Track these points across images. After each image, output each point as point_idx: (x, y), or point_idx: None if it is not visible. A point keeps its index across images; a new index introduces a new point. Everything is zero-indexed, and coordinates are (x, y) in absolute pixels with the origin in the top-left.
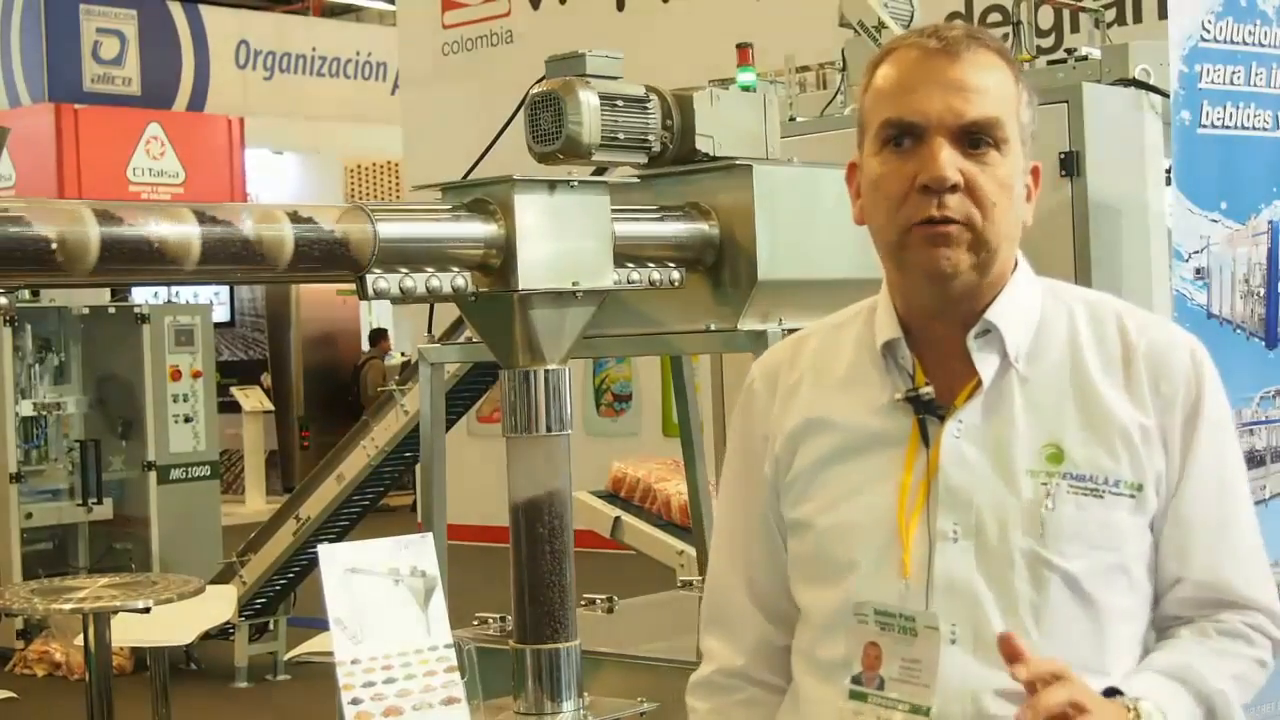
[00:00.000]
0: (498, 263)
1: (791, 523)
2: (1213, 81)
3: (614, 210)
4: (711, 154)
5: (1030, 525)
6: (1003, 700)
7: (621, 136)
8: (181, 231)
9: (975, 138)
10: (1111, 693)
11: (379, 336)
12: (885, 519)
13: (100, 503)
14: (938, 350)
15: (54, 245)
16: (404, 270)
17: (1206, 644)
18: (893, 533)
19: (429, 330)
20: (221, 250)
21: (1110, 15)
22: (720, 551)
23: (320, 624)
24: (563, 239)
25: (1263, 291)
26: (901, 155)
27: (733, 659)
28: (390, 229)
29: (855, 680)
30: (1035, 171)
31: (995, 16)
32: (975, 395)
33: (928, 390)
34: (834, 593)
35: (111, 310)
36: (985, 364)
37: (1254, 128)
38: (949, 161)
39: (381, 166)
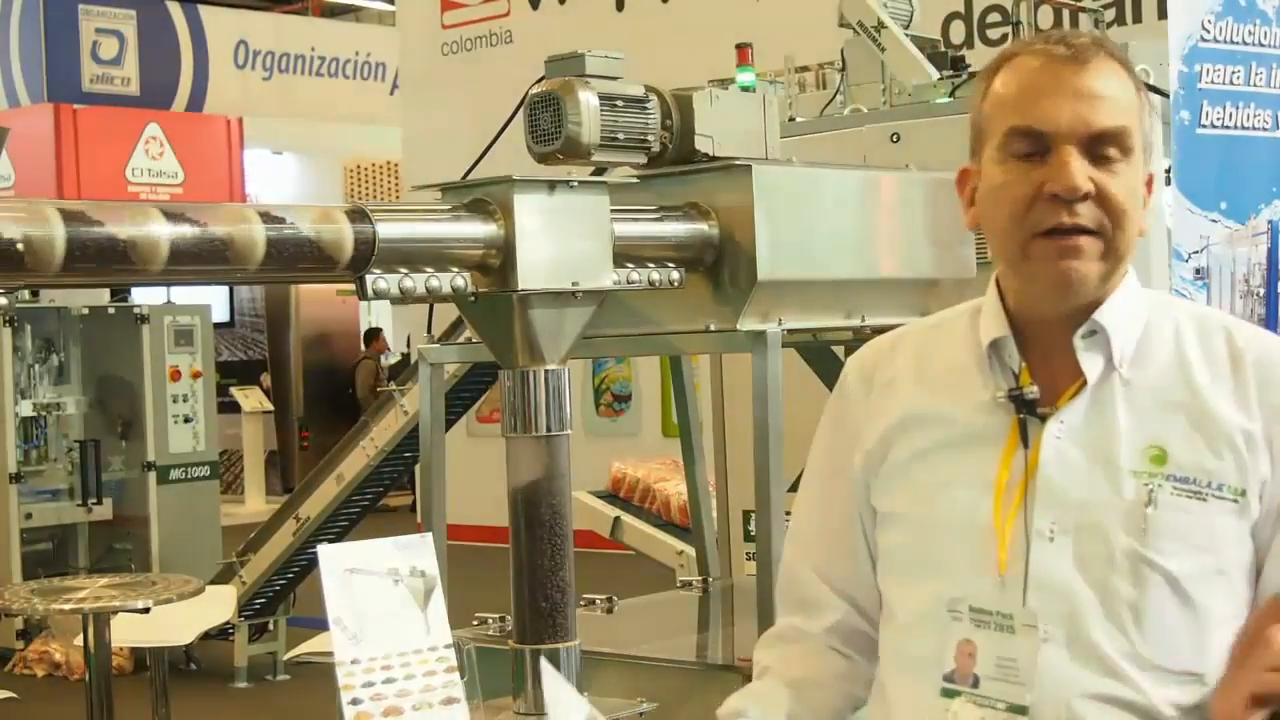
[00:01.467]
0: (497, 263)
1: (883, 516)
2: (1212, 81)
3: (614, 210)
4: (711, 154)
5: (1132, 525)
6: (1093, 702)
7: (621, 137)
8: (169, 231)
9: (1104, 146)
10: None
11: (372, 336)
12: (980, 516)
13: (100, 503)
14: (1043, 350)
15: (20, 245)
16: (403, 270)
17: None
18: (987, 530)
19: (428, 330)
20: (206, 250)
21: (1110, 15)
22: (795, 541)
23: (320, 624)
24: (562, 239)
25: (1263, 291)
26: (1028, 164)
27: (808, 626)
28: (390, 229)
29: (948, 678)
30: (1149, 181)
31: (995, 16)
32: (1079, 396)
33: (1032, 390)
34: (926, 588)
35: (111, 310)
36: (1091, 364)
37: (1254, 128)
38: (1080, 171)
39: (381, 166)
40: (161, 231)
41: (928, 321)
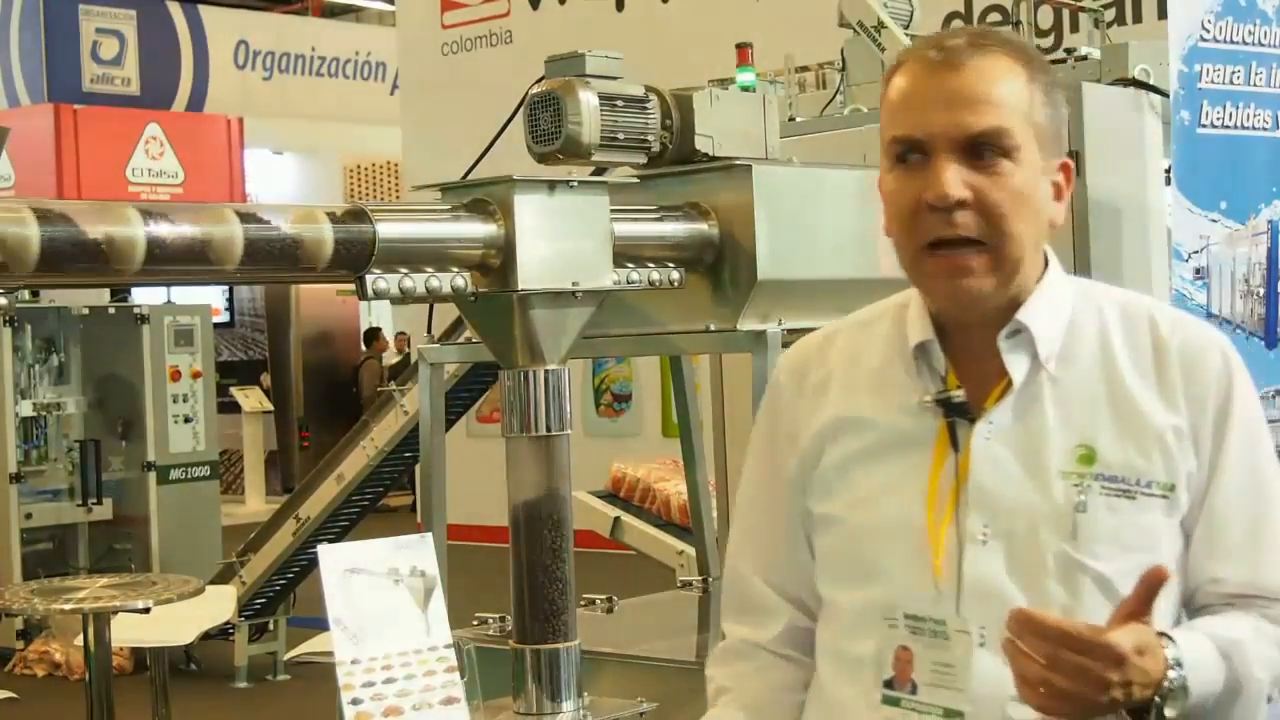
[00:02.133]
0: (497, 263)
1: (819, 518)
2: (1212, 81)
3: (613, 210)
4: (711, 154)
5: (1062, 527)
6: (1029, 706)
7: (621, 136)
8: (227, 232)
9: (982, 149)
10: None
11: (373, 336)
12: (913, 521)
13: (100, 503)
14: (969, 351)
15: (103, 245)
16: (403, 270)
17: (1263, 630)
18: (921, 535)
19: (429, 330)
20: (278, 249)
21: (1110, 15)
22: (737, 544)
23: (320, 624)
24: (562, 239)
25: (1262, 291)
26: (910, 172)
27: (756, 636)
28: (390, 229)
29: (888, 685)
30: (1065, 168)
31: (995, 16)
32: (1006, 396)
33: (959, 393)
34: (862, 594)
35: (111, 310)
36: (1016, 364)
37: (1254, 128)
38: (953, 179)
39: (381, 167)
40: (235, 231)
41: (857, 318)
